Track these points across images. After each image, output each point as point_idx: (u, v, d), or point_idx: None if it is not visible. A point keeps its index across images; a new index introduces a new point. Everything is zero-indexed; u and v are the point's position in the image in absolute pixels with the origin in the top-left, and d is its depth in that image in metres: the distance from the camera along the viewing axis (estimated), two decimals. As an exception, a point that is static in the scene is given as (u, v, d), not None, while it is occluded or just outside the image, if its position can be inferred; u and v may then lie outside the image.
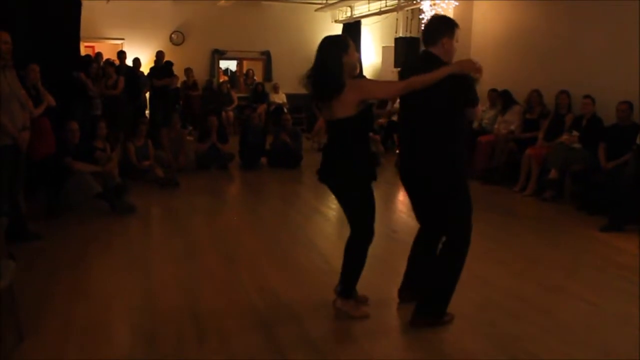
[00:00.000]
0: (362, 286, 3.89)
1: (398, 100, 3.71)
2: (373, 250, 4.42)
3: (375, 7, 11.60)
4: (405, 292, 3.68)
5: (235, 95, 12.41)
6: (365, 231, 3.36)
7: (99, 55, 10.66)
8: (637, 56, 6.26)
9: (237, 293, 3.86)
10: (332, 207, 6.51)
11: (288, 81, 13.12)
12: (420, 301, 3.38)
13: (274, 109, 12.28)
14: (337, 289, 3.51)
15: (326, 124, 3.43)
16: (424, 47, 3.32)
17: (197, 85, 12.17)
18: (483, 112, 8.36)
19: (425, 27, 3.35)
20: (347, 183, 3.31)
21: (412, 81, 3.08)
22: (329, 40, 3.27)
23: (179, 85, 10.93)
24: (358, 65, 3.34)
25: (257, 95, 12.60)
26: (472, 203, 3.30)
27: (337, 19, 13.42)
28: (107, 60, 10.09)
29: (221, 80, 13.35)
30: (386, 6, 11.09)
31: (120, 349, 3.11)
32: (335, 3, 12.33)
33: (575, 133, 6.57)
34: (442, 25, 3.23)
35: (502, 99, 8.00)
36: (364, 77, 8.83)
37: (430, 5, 9.13)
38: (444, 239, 3.36)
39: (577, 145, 6.52)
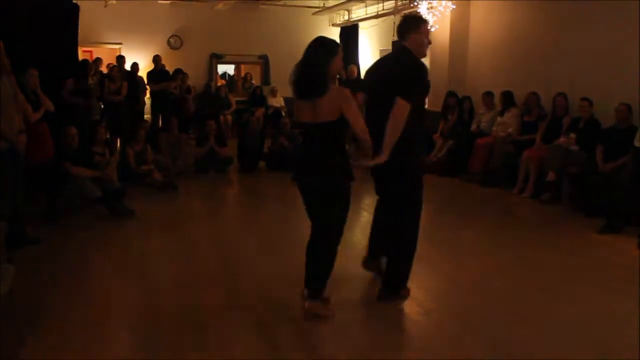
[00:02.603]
0: (361, 286, 3.93)
1: None
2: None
3: (372, 10, 11.63)
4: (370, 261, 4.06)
5: (233, 99, 12.43)
6: (339, 231, 3.46)
7: (97, 60, 10.65)
8: (635, 58, 6.28)
9: (236, 295, 3.87)
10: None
11: (286, 85, 13.02)
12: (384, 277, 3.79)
13: (272, 113, 12.29)
14: (305, 293, 3.52)
15: (305, 124, 3.41)
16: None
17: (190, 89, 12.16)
18: (481, 114, 8.39)
19: (397, 26, 3.69)
20: (329, 183, 3.35)
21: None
22: (320, 41, 3.34)
23: (175, 90, 10.96)
24: (343, 73, 3.49)
25: (255, 99, 12.62)
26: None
27: (334, 22, 13.45)
28: (114, 66, 10.13)
29: (219, 84, 13.37)
30: (383, 9, 11.12)
31: (120, 352, 3.11)
32: (333, 7, 12.37)
33: (572, 135, 6.59)
34: (408, 22, 3.60)
35: (503, 100, 8.01)
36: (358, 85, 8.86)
37: (428, 8, 9.15)
38: None
39: (574, 147, 6.54)
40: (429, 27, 3.63)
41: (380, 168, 3.46)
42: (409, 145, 3.49)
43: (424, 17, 3.63)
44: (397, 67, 3.54)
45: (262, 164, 8.94)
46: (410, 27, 3.56)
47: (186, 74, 11.32)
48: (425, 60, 3.84)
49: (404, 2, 10.20)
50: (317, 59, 3.25)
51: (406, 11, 10.51)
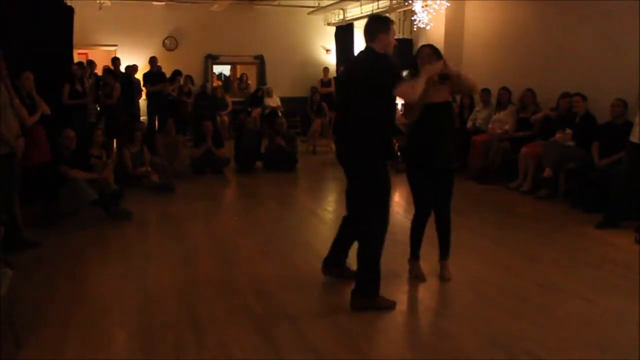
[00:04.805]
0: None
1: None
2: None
3: (367, 9, 11.63)
4: (330, 267, 4.09)
5: (229, 99, 12.42)
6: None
7: (91, 63, 10.62)
8: (631, 54, 6.29)
9: (235, 296, 3.86)
10: (327, 210, 6.53)
11: (282, 85, 13.15)
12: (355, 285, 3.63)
13: (268, 113, 12.30)
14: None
15: None
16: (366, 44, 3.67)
17: (190, 91, 12.16)
18: (477, 112, 8.40)
19: (364, 26, 3.66)
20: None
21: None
22: None
23: (174, 92, 10.94)
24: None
25: (256, 100, 12.62)
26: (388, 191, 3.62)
27: (329, 21, 13.45)
28: (107, 69, 10.10)
29: (215, 85, 13.35)
30: (378, 8, 11.12)
31: (119, 354, 3.11)
32: (328, 6, 12.37)
33: (568, 131, 6.60)
34: (377, 23, 3.62)
35: (498, 97, 8.00)
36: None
37: (422, 7, 9.16)
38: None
39: (570, 143, 6.56)
40: (394, 29, 3.71)
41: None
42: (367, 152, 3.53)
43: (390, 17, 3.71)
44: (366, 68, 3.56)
45: (259, 164, 8.94)
46: (380, 27, 3.58)
47: (189, 76, 11.29)
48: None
49: (398, 0, 10.20)
50: None
51: (400, 10, 10.54)
